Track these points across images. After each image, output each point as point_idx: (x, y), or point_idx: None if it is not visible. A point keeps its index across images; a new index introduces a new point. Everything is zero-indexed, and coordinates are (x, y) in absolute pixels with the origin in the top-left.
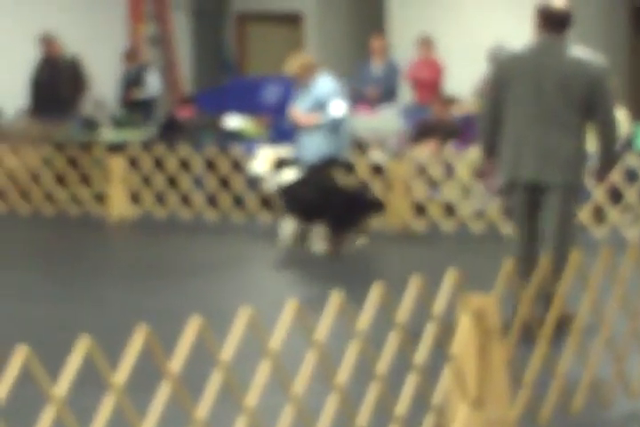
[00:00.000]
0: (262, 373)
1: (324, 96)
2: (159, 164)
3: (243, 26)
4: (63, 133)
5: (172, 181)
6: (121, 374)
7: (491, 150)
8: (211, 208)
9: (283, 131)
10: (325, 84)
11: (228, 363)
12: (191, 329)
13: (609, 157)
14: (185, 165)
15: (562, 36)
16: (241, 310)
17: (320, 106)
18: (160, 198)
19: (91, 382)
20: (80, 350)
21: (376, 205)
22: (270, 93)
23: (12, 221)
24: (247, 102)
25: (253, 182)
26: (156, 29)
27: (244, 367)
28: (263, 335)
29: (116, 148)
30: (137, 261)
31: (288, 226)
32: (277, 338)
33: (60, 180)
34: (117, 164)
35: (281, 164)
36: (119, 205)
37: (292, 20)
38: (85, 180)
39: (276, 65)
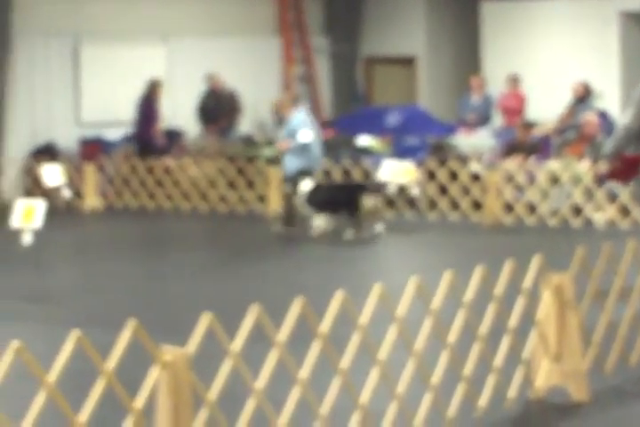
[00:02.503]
0: (391, 334)
1: (296, 126)
2: None
3: (370, 66)
4: (233, 149)
5: None
6: (282, 334)
7: (618, 156)
8: None
9: (403, 147)
10: (298, 117)
11: (365, 326)
12: (336, 300)
13: None
14: (327, 174)
15: None
16: (375, 286)
17: (293, 134)
18: None
19: (259, 341)
20: (251, 315)
21: (361, 187)
22: (391, 119)
23: (194, 216)
24: (374, 126)
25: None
26: (303, 69)
27: (377, 330)
28: (392, 305)
29: (273, 160)
30: (291, 247)
31: (318, 221)
32: (402, 307)
33: (231, 185)
34: (275, 172)
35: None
36: (275, 204)
37: (407, 62)
38: (250, 185)
39: (395, 97)
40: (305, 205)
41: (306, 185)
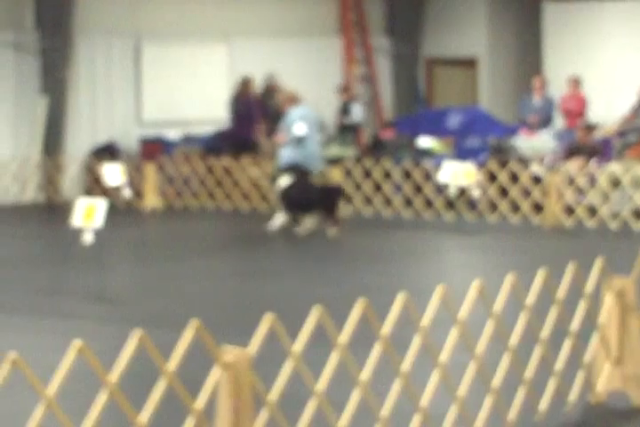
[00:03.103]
0: (452, 337)
1: (292, 121)
2: (367, 174)
3: (431, 67)
4: None
5: (377, 187)
6: (344, 336)
7: None
8: (407, 208)
9: (464, 149)
10: (295, 112)
11: (426, 328)
12: (399, 302)
13: None
14: (387, 174)
15: None
16: (437, 287)
17: (289, 128)
18: (368, 201)
19: (320, 343)
20: (313, 316)
21: (338, 191)
22: (452, 120)
23: (253, 217)
24: (435, 127)
25: (440, 188)
26: (364, 70)
27: (438, 333)
28: (453, 308)
29: (334, 161)
30: (350, 249)
31: (279, 218)
32: (464, 310)
33: None
34: (335, 173)
35: None
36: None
37: (468, 63)
38: None
39: (456, 98)
40: (278, 201)
41: (284, 181)
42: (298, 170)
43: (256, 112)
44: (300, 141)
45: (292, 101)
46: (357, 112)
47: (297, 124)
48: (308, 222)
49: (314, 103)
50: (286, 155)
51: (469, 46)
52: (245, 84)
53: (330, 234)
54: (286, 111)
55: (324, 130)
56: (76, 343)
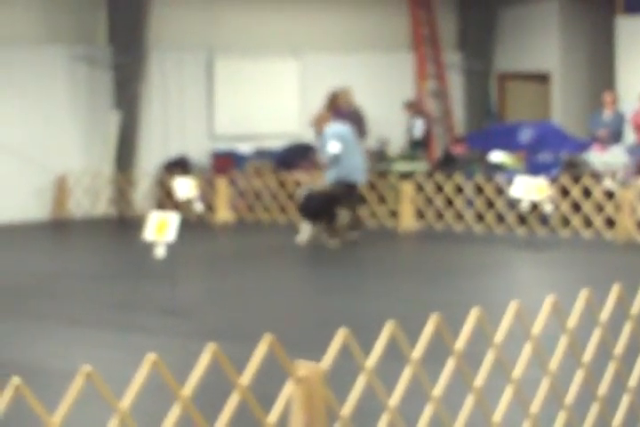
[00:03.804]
0: (525, 352)
1: (325, 140)
2: (439, 188)
3: (503, 82)
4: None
5: (449, 202)
6: (417, 351)
7: None
8: (479, 223)
9: (536, 164)
10: (329, 131)
11: (499, 344)
12: (472, 317)
13: None
14: (459, 189)
15: None
16: (511, 303)
17: (324, 147)
18: (439, 215)
19: (393, 358)
20: (386, 331)
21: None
22: (524, 135)
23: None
24: (507, 141)
25: (512, 203)
26: (436, 85)
27: (511, 348)
28: (527, 323)
29: (405, 175)
30: (422, 263)
31: (305, 228)
32: (538, 325)
33: (362, 200)
34: (407, 188)
35: None
36: (408, 220)
37: (541, 78)
38: (382, 200)
39: (528, 113)
40: (298, 212)
41: (301, 193)
42: (344, 185)
43: (356, 125)
44: (336, 159)
45: (325, 121)
46: (419, 127)
47: (330, 142)
48: (306, 232)
49: (385, 118)
50: (329, 174)
51: (542, 61)
52: (335, 98)
53: (331, 245)
54: (321, 131)
55: (390, 145)
56: (151, 356)
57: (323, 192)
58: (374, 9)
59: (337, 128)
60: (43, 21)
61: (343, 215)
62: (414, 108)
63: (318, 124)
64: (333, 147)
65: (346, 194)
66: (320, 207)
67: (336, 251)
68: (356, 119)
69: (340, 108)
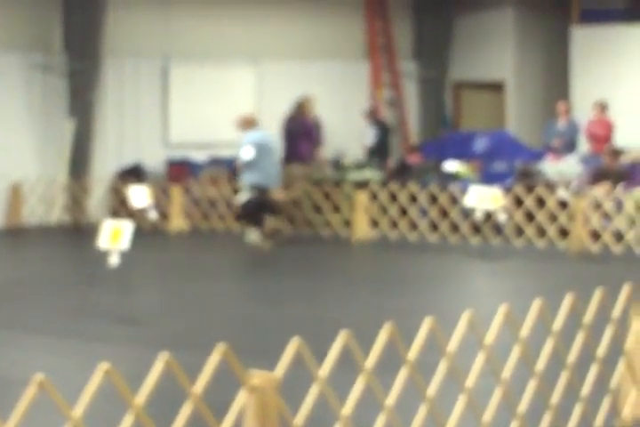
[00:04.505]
0: (478, 361)
1: (242, 145)
2: (393, 197)
3: (458, 91)
4: (319, 173)
5: (404, 211)
6: (370, 360)
7: None
8: (433, 232)
9: (491, 173)
10: (247, 136)
11: (452, 353)
12: (425, 327)
13: None
14: (413, 198)
15: None
16: (464, 312)
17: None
18: (394, 224)
19: (347, 367)
20: (340, 341)
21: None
22: (479, 144)
23: (283, 239)
24: (461, 151)
25: (466, 213)
26: (391, 94)
27: (464, 357)
28: (480, 332)
29: (360, 185)
30: (376, 272)
31: (252, 236)
32: (491, 335)
33: (317, 209)
34: (361, 197)
35: None
36: (362, 229)
37: (495, 87)
38: (336, 209)
39: (483, 122)
40: (238, 217)
41: (240, 198)
42: (258, 189)
43: (315, 133)
44: (249, 165)
45: (248, 125)
46: (370, 136)
47: (245, 148)
48: (254, 237)
49: (340, 127)
50: (245, 178)
51: (496, 70)
52: (302, 105)
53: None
54: (243, 135)
55: (345, 155)
56: (103, 365)
57: (256, 197)
58: (331, 18)
59: (257, 135)
60: None
61: (269, 219)
62: (371, 116)
63: (240, 126)
64: (246, 152)
65: (261, 198)
66: (256, 211)
67: (294, 259)
68: (317, 127)
69: (304, 115)
